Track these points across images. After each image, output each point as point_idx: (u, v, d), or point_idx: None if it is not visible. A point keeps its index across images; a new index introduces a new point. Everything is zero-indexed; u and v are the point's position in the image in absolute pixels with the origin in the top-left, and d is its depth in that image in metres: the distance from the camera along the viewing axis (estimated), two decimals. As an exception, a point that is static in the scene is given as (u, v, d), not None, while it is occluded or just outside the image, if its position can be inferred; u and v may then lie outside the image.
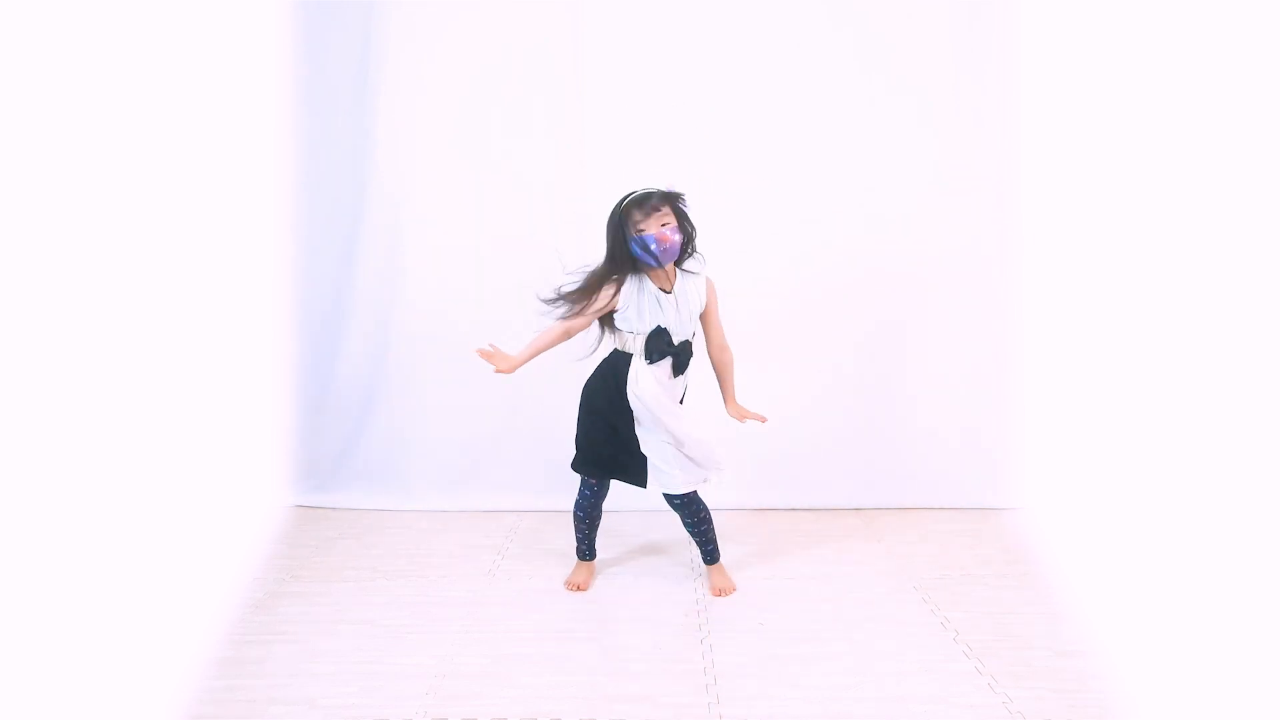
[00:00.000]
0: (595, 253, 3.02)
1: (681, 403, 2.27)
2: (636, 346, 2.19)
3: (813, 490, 3.06)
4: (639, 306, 2.17)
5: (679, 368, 2.20)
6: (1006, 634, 2.06)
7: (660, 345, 2.17)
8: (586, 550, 2.42)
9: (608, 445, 2.27)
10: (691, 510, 2.29)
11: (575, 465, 2.33)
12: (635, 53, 2.99)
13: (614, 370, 2.22)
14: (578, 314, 2.15)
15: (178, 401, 1.96)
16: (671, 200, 2.14)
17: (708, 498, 2.98)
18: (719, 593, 2.32)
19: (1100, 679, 1.84)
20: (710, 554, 2.36)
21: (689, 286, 2.21)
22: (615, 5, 2.98)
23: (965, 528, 2.83)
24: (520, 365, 2.16)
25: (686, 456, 2.21)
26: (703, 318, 2.26)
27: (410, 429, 3.10)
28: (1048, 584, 2.36)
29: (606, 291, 2.15)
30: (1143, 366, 1.93)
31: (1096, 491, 2.21)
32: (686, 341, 2.21)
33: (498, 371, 2.13)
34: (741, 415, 2.33)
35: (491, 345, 2.13)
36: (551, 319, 2.16)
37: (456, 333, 3.06)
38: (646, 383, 2.17)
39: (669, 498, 2.27)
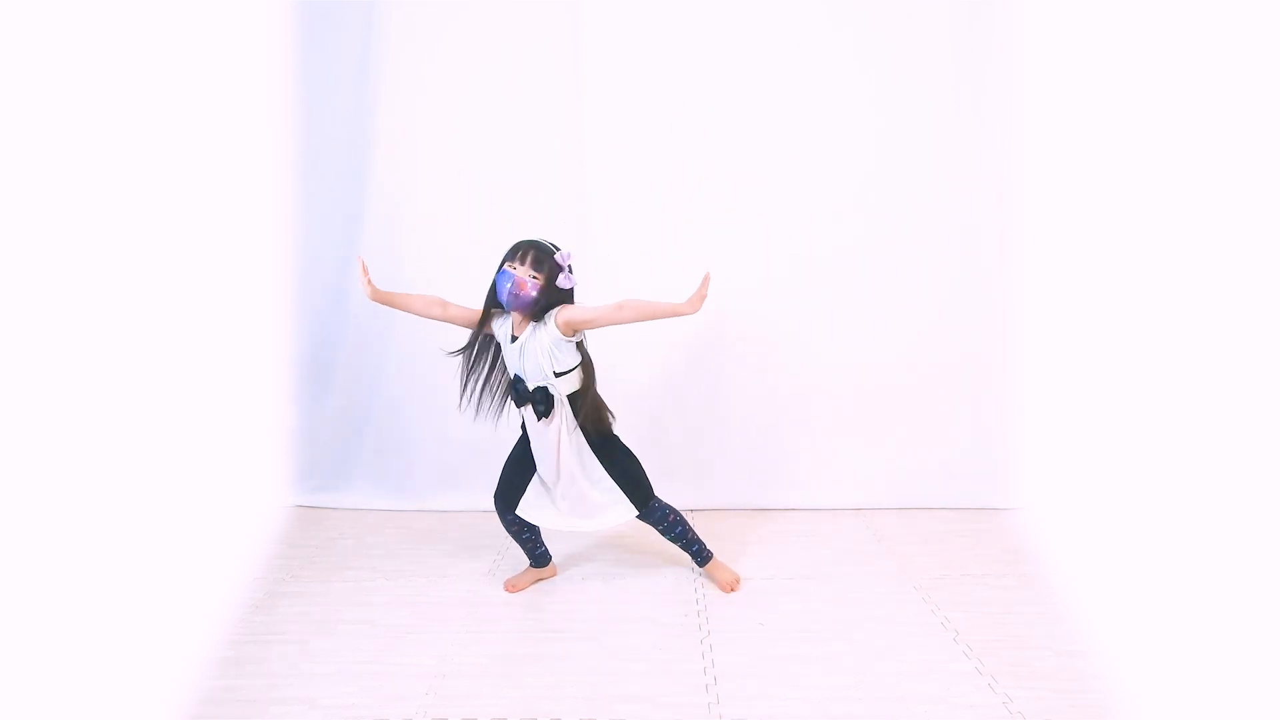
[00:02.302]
0: (595, 253, 3.02)
1: (600, 443, 2.24)
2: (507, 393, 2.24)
3: (813, 490, 3.05)
4: (503, 349, 2.21)
5: (540, 414, 2.16)
6: (1006, 634, 2.06)
7: (516, 393, 2.18)
8: (531, 559, 2.42)
9: (509, 478, 2.33)
10: (658, 519, 2.32)
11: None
12: (635, 52, 2.99)
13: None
14: (459, 307, 2.24)
15: (178, 402, 1.96)
16: (548, 262, 2.10)
17: (698, 497, 2.97)
18: (729, 588, 2.33)
19: (1100, 679, 1.84)
20: (699, 556, 2.38)
21: (539, 335, 2.13)
22: (615, 5, 2.98)
23: (965, 528, 2.83)
24: (377, 302, 2.19)
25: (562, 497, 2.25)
26: (580, 326, 2.14)
27: (410, 429, 3.10)
28: (1048, 584, 2.36)
29: (482, 306, 2.21)
30: (1142, 367, 1.93)
31: (1096, 491, 2.21)
32: (541, 388, 2.15)
33: (367, 293, 2.16)
34: (700, 292, 2.08)
35: (365, 270, 2.17)
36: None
37: (457, 334, 3.07)
38: (526, 423, 2.23)
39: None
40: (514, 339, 2.16)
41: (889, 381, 3.06)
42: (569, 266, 2.14)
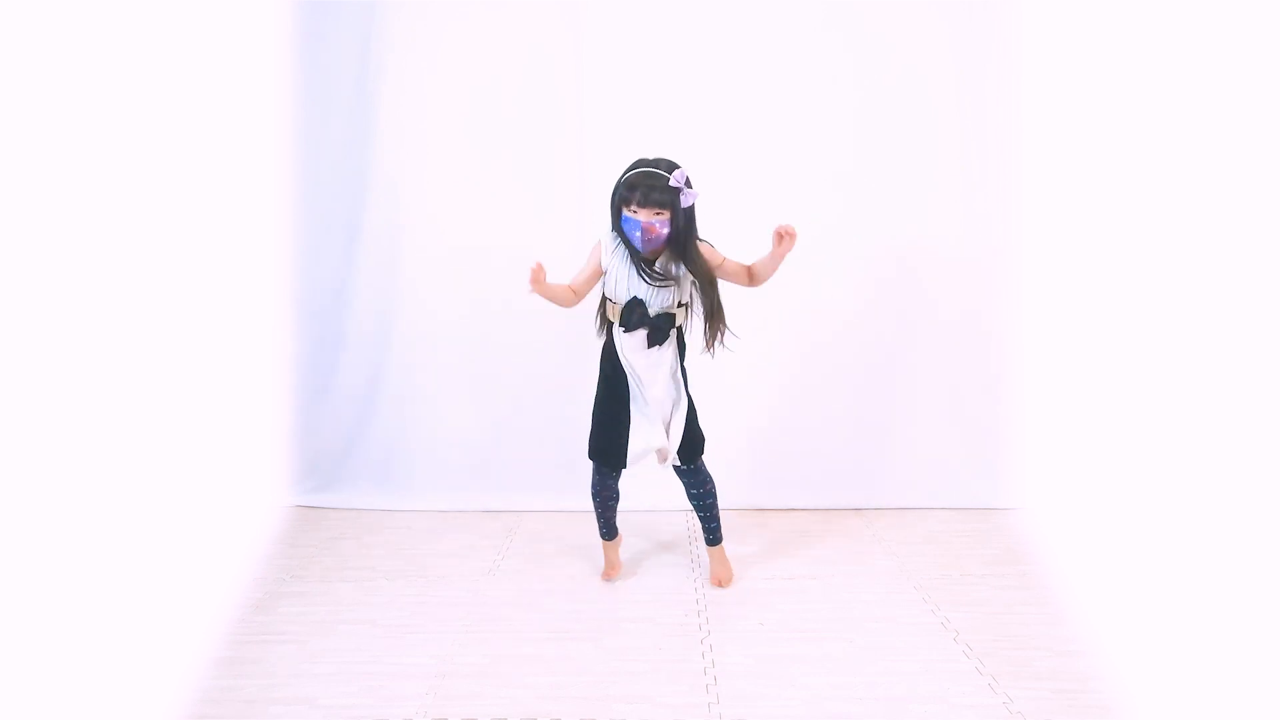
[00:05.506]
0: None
1: (683, 379, 2.20)
2: (615, 315, 2.14)
3: (813, 490, 3.05)
4: (619, 274, 2.12)
5: (654, 339, 2.12)
6: (1006, 634, 2.06)
7: (634, 316, 2.10)
8: (605, 530, 2.39)
9: (609, 432, 2.22)
10: (697, 480, 2.29)
11: (589, 452, 2.29)
12: (636, 53, 2.99)
13: (610, 338, 2.21)
14: (578, 279, 2.16)
15: (178, 402, 1.96)
16: (672, 198, 2.03)
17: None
18: (718, 582, 2.33)
19: (1100, 679, 1.84)
20: (712, 534, 2.36)
21: (676, 264, 2.11)
22: (616, 5, 2.98)
23: (965, 528, 2.83)
24: (539, 295, 2.05)
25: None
26: (720, 273, 2.16)
27: (410, 428, 3.10)
28: (1048, 584, 2.36)
29: (595, 250, 2.17)
30: (1142, 367, 1.94)
31: (1096, 491, 2.21)
32: (666, 314, 2.12)
33: (531, 287, 2.01)
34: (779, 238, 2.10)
35: (542, 270, 2.01)
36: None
37: (456, 334, 3.07)
38: (625, 350, 2.15)
39: (676, 466, 2.26)
40: (650, 264, 2.09)
41: (889, 381, 3.06)
42: (686, 181, 2.03)
